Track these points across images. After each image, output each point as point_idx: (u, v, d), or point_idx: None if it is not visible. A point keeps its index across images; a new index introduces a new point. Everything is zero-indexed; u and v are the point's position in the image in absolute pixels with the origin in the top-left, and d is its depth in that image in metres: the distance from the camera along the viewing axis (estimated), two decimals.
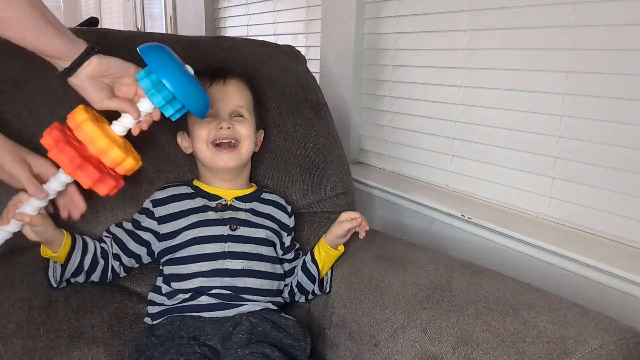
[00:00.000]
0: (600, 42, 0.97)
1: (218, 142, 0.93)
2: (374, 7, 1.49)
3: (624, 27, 0.93)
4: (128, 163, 0.78)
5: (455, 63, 1.24)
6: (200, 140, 0.93)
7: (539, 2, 1.05)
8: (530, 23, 1.07)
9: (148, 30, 3.42)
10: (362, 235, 0.96)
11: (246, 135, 0.95)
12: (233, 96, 0.96)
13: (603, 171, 0.98)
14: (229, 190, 0.98)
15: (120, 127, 0.80)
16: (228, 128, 0.93)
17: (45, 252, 0.86)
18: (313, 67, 1.69)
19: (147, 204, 0.96)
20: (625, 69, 0.93)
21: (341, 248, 0.98)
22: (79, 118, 0.76)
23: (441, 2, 1.27)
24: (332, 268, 1.00)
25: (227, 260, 0.91)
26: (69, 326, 0.85)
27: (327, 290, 0.99)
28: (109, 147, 0.76)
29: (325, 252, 0.97)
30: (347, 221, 0.94)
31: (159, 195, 0.96)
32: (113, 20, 4.21)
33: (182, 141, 1.00)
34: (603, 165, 0.98)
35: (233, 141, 0.94)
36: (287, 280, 0.99)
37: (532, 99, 1.08)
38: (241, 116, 0.96)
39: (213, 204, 0.95)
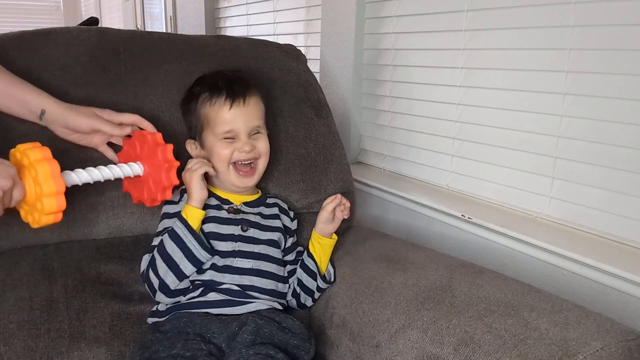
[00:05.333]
0: (600, 42, 0.97)
1: (239, 162, 0.94)
2: (374, 7, 1.49)
3: (624, 27, 0.93)
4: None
5: (455, 63, 1.24)
6: (221, 160, 0.93)
7: (539, 2, 1.05)
8: (530, 23, 1.07)
9: (148, 30, 3.41)
10: (346, 214, 0.98)
11: (265, 151, 0.97)
12: (253, 116, 0.95)
13: (603, 171, 0.98)
14: (238, 195, 0.98)
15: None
16: (250, 151, 0.94)
17: (194, 212, 0.89)
18: (313, 67, 1.68)
19: (170, 208, 0.94)
20: (625, 69, 0.93)
21: (334, 237, 0.99)
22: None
23: (441, 2, 1.27)
24: (333, 263, 1.01)
25: (237, 258, 0.92)
26: (70, 326, 0.85)
27: (332, 280, 0.99)
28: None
29: (319, 244, 0.98)
30: (329, 203, 0.97)
31: (177, 197, 0.95)
32: (113, 20, 4.21)
33: (193, 150, 0.98)
34: (603, 165, 0.98)
35: (253, 161, 0.95)
36: (289, 281, 1.00)
37: (532, 99, 1.08)
38: (258, 132, 0.96)
39: (225, 206, 0.96)
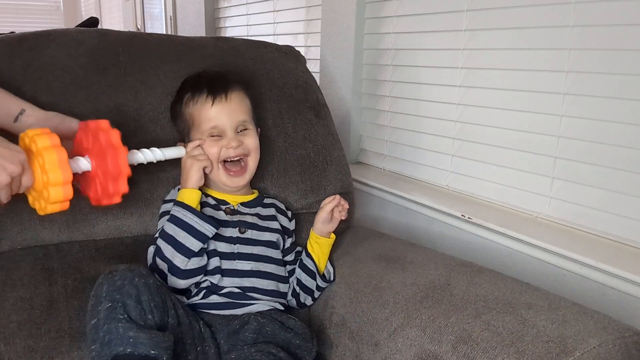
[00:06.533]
0: (600, 42, 0.97)
1: (229, 160, 0.94)
2: (374, 7, 1.49)
3: (624, 27, 0.93)
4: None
5: (455, 63, 1.24)
6: (211, 160, 0.93)
7: (538, 2, 1.05)
8: (530, 23, 1.07)
9: (148, 30, 3.42)
10: (343, 215, 0.98)
11: (254, 147, 0.96)
12: (237, 111, 0.94)
13: (603, 171, 0.98)
14: (234, 196, 0.98)
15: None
16: (237, 147, 0.93)
17: (190, 194, 0.89)
18: (313, 67, 1.69)
19: (169, 206, 0.93)
20: (625, 69, 0.93)
21: (332, 236, 1.00)
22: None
23: (441, 2, 1.27)
24: (332, 262, 1.01)
25: (237, 261, 0.92)
26: (70, 326, 0.85)
27: (332, 279, 1.00)
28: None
29: (317, 243, 0.99)
30: (328, 203, 0.97)
31: (175, 195, 0.94)
32: (113, 20, 4.21)
33: None
34: (603, 165, 0.98)
35: (242, 158, 0.95)
36: (289, 281, 1.00)
37: (532, 99, 1.08)
38: (246, 128, 0.96)
39: (222, 207, 0.96)
